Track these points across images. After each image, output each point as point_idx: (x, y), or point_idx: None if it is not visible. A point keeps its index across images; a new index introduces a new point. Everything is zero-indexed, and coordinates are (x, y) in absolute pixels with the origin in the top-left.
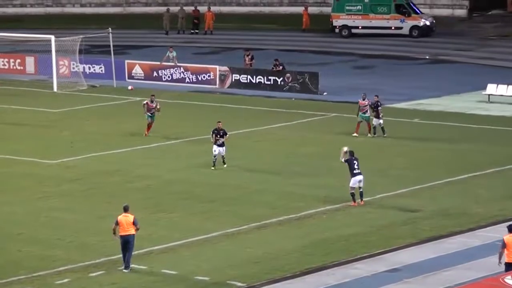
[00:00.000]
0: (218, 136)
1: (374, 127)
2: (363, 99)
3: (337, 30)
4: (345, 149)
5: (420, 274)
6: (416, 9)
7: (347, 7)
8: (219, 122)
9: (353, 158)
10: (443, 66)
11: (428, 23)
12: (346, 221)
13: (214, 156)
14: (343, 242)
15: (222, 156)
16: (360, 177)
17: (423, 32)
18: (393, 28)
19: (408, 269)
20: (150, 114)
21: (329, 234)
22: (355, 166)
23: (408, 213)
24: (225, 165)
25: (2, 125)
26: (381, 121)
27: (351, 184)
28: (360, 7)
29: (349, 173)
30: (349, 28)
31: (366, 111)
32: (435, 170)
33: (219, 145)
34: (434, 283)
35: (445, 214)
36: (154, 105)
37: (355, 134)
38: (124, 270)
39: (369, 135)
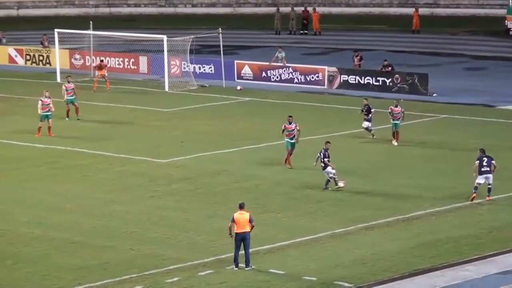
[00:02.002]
0: (327, 157)
1: (367, 129)
2: (396, 106)
3: (511, 33)
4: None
5: None
6: None
7: None
8: (329, 142)
9: (483, 156)
10: None
11: None
12: (456, 223)
13: (334, 175)
14: (453, 243)
15: (334, 175)
16: (487, 175)
17: None
18: None
19: None
20: (289, 140)
21: (438, 236)
22: (484, 164)
23: None
24: (332, 187)
25: (116, 123)
26: (370, 123)
27: (477, 180)
28: None
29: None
30: None
31: (399, 118)
32: None
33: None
34: None
35: None
36: (293, 127)
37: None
38: (246, 268)
39: (395, 142)
